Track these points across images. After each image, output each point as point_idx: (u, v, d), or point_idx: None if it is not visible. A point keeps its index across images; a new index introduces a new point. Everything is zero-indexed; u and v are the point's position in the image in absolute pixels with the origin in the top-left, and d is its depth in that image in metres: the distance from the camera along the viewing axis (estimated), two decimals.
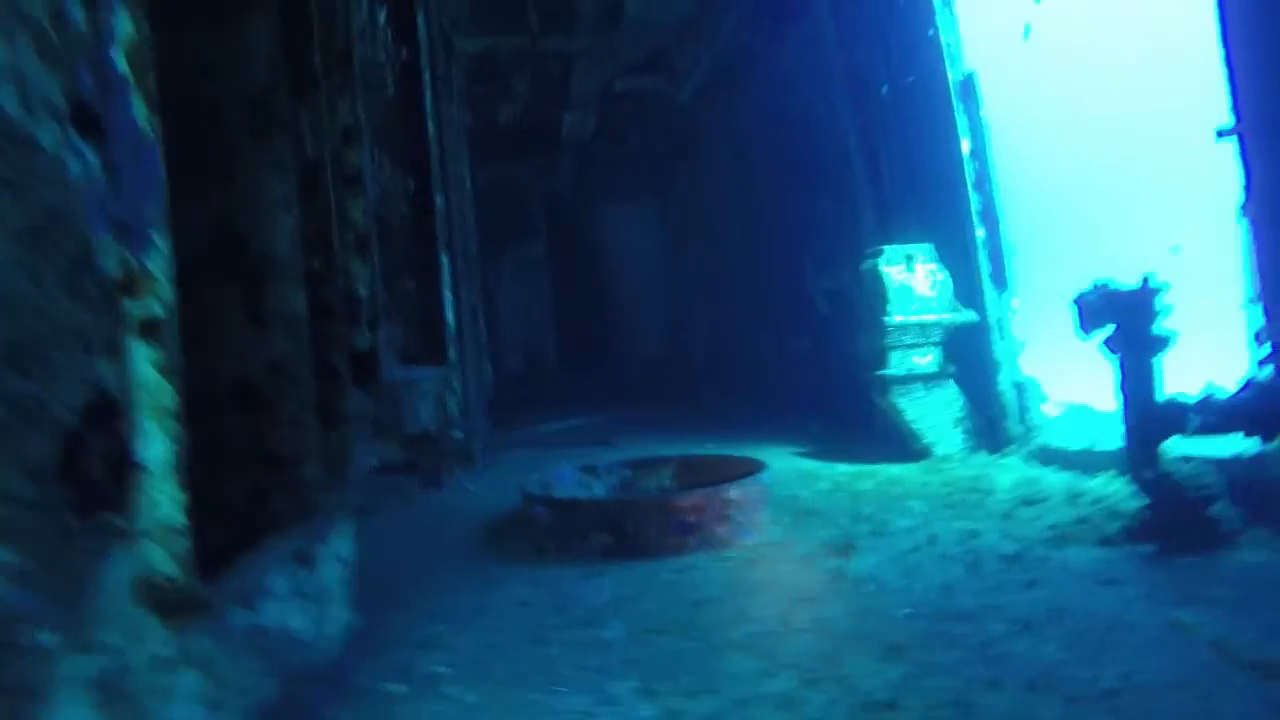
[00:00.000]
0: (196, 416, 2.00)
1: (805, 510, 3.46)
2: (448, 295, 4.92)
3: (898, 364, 4.46)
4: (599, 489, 3.88)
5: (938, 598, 2.29)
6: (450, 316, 4.99)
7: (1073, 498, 3.28)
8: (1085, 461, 3.77)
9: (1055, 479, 3.64)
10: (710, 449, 5.49)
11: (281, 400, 2.06)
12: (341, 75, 1.97)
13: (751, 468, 3.52)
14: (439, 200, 4.51)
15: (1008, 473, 3.90)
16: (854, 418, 6.12)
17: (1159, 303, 2.69)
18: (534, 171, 11.41)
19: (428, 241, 3.88)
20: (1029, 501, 3.31)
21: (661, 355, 13.66)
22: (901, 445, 4.66)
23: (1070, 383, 5.47)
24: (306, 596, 1.67)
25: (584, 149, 10.14)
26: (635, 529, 2.90)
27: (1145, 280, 2.68)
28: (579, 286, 14.04)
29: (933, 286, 4.44)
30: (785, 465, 4.72)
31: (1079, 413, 4.95)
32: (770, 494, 3.28)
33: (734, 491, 3.02)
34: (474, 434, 4.79)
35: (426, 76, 3.89)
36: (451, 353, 5.00)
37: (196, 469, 2.05)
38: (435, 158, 4.15)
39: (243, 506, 2.11)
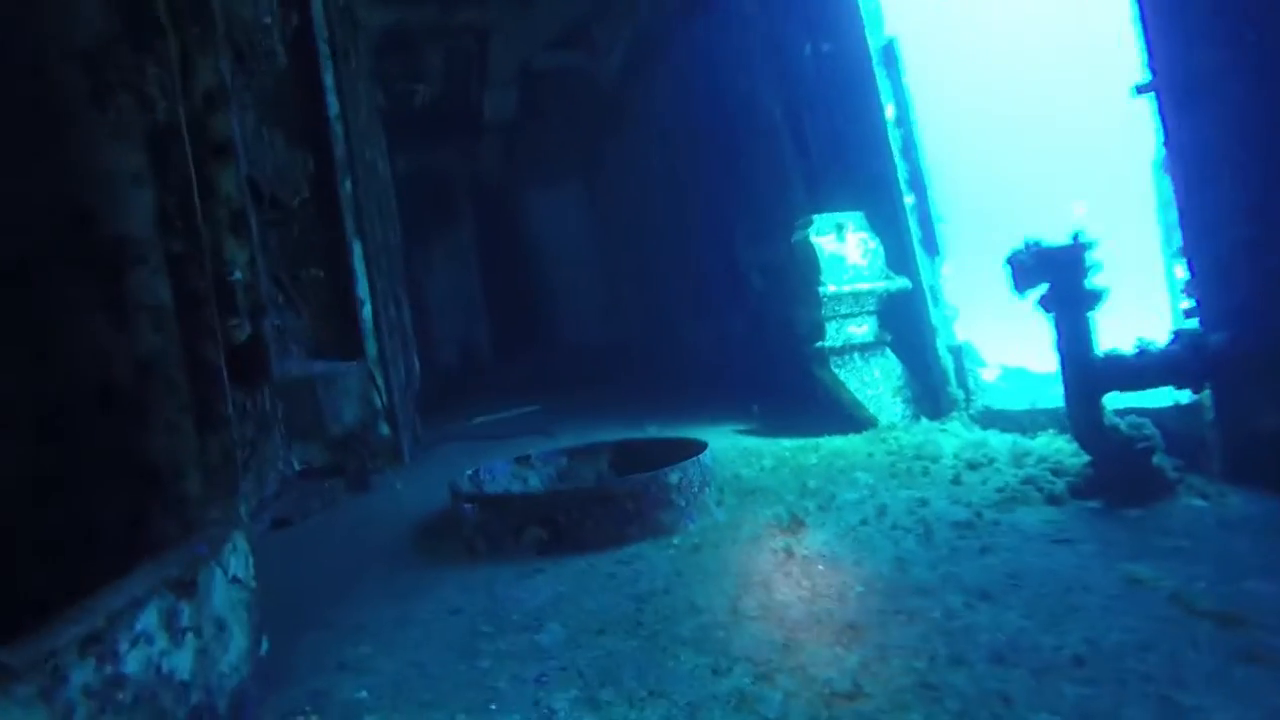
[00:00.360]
0: (55, 427, 1.74)
1: (750, 489, 3.35)
2: (362, 284, 4.64)
3: (834, 335, 4.39)
4: (535, 480, 3.70)
5: (892, 572, 2.19)
6: (366, 307, 4.71)
7: (1018, 458, 3.24)
8: (1027, 422, 3.76)
9: (999, 441, 3.61)
10: (651, 433, 5.36)
11: (155, 404, 1.82)
12: (199, 28, 1.72)
13: (691, 449, 3.38)
14: (346, 183, 4.22)
15: (952, 438, 3.87)
16: (796, 393, 6.07)
17: (1090, 258, 2.64)
18: (458, 156, 11.04)
19: (333, 225, 3.60)
20: (975, 465, 3.27)
21: (597, 343, 13.48)
22: (844, 417, 4.60)
23: (1005, 347, 5.51)
24: (189, 630, 1.45)
25: (508, 131, 9.84)
26: (571, 522, 2.73)
27: (1076, 236, 2.62)
28: (510, 274, 13.72)
29: (865, 255, 4.37)
30: (728, 444, 4.62)
31: (1016, 375, 4.98)
32: (713, 475, 3.15)
33: (674, 475, 2.88)
34: (401, 430, 4.55)
35: (323, 46, 3.59)
36: (370, 346, 4.73)
37: (60, 488, 1.79)
38: (338, 136, 3.86)
39: (118, 530, 1.86)
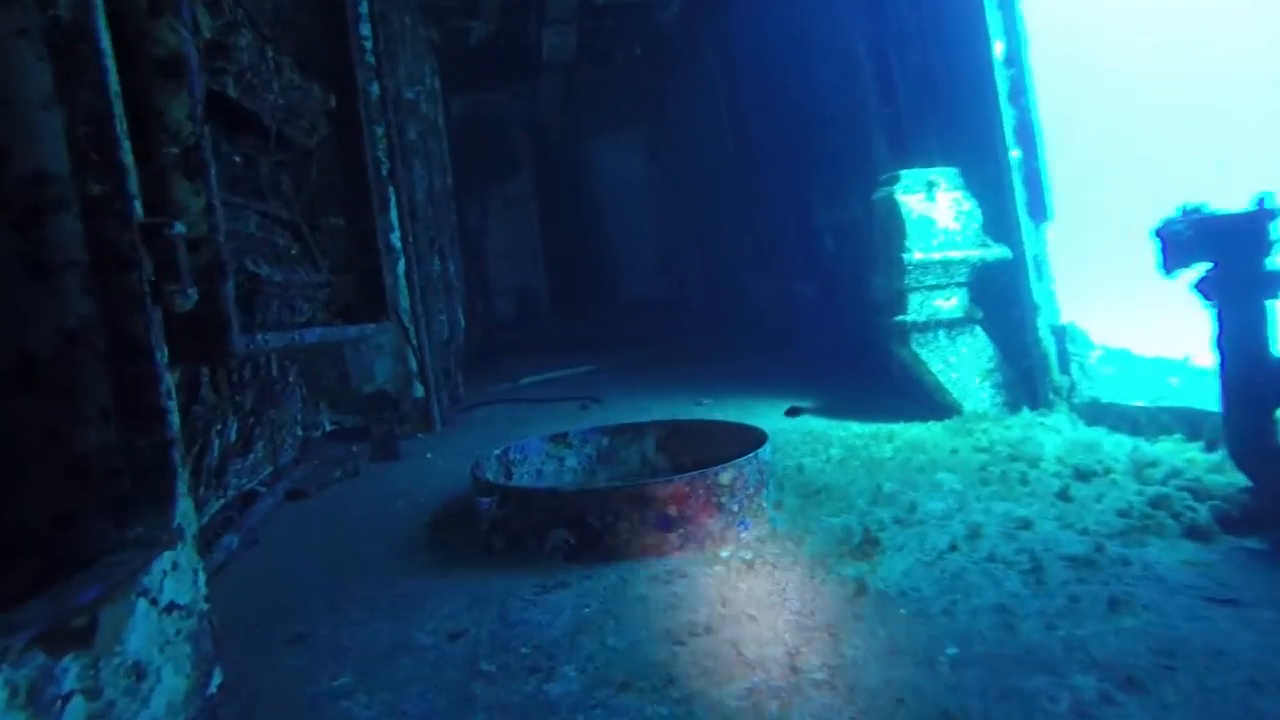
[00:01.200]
0: None
1: (815, 488, 2.90)
2: (395, 235, 4.28)
3: (918, 308, 3.85)
4: (571, 460, 3.32)
5: (994, 628, 1.74)
6: (400, 261, 4.36)
7: (1139, 469, 2.71)
8: (1145, 421, 3.20)
9: (1113, 444, 3.06)
10: (706, 405, 4.94)
11: (86, 385, 1.47)
12: None
13: (749, 438, 2.95)
14: (378, 124, 3.84)
15: (1053, 435, 3.33)
16: (868, 366, 5.54)
17: (1275, 231, 2.07)
18: (516, 100, 10.58)
19: (357, 170, 3.23)
20: (1086, 475, 2.75)
21: (657, 297, 13.02)
22: (924, 401, 4.09)
23: (1105, 325, 4.85)
24: (74, 696, 1.10)
25: (568, 73, 9.31)
26: (604, 525, 2.34)
27: (1261, 201, 2.05)
28: (570, 224, 13.30)
29: (958, 218, 3.80)
30: (790, 424, 4.16)
31: (1119, 358, 4.36)
32: (772, 471, 2.71)
33: (727, 474, 2.45)
34: (433, 394, 4.22)
35: None
36: (404, 302, 4.39)
37: None
38: (366, 67, 3.46)
39: (45, 532, 1.54)
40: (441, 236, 6.14)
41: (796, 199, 7.04)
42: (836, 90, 5.71)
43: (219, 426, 2.40)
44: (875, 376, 5.17)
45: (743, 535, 2.45)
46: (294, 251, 2.99)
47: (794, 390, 5.18)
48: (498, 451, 3.07)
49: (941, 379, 3.86)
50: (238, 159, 2.66)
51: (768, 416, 4.48)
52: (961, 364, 3.86)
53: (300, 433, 3.47)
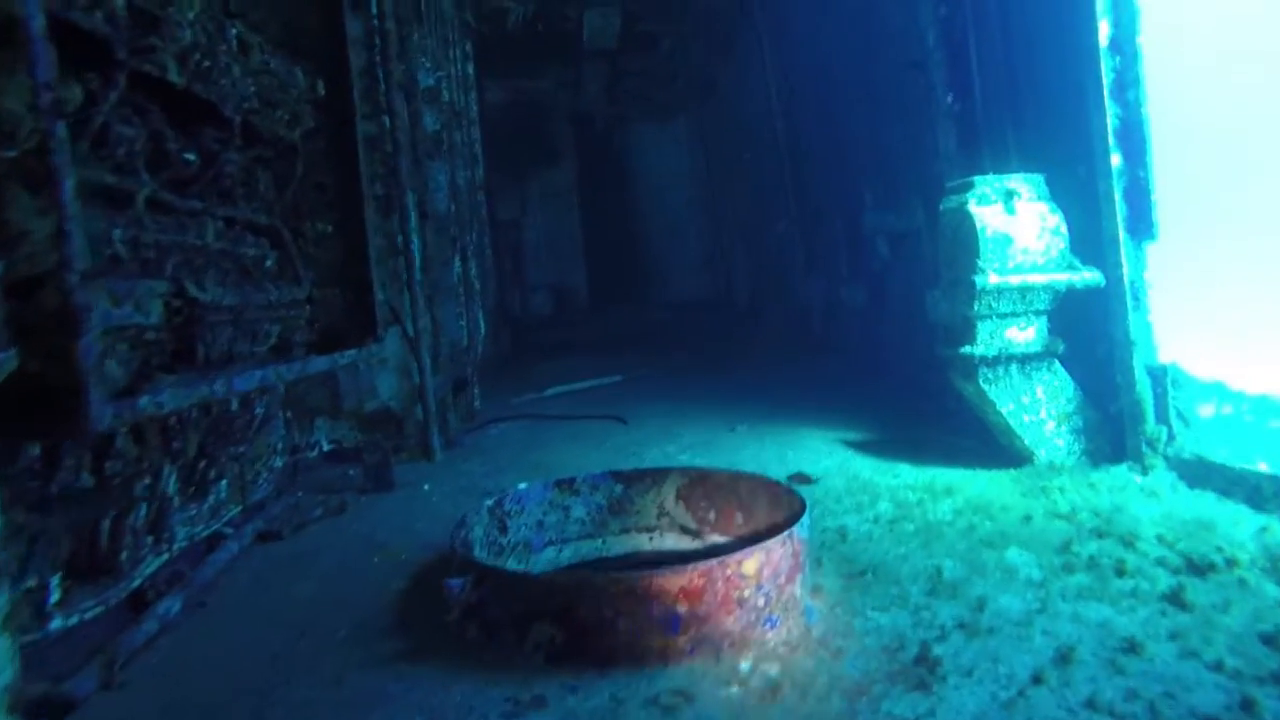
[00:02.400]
0: None
1: (859, 565, 2.42)
2: (401, 239, 3.89)
3: (988, 339, 3.31)
4: (579, 510, 2.89)
5: None
6: (411, 265, 3.98)
7: (1276, 564, 2.17)
8: (1270, 491, 2.64)
9: (1229, 520, 2.52)
10: (740, 433, 4.46)
11: None
12: None
13: (783, 501, 2.49)
14: (384, 114, 3.44)
15: (1149, 502, 2.79)
16: (921, 392, 5.00)
17: None
18: (558, 87, 10.15)
19: (348, 168, 2.83)
20: (1201, 567, 2.21)
21: (701, 296, 12.53)
22: (988, 442, 3.56)
23: (1212, 362, 4.23)
24: None
25: (611, 59, 8.85)
26: (598, 620, 1.91)
27: None
28: (611, 217, 12.87)
29: (1041, 235, 3.24)
30: (832, 464, 3.67)
31: (1214, 394, 3.76)
32: (809, 547, 2.23)
33: (752, 562, 1.99)
34: (436, 417, 3.83)
35: None
36: (408, 324, 3.99)
37: None
38: (369, 49, 3.05)
39: None
40: (465, 235, 5.75)
41: (847, 198, 6.48)
42: (897, 82, 5.14)
43: (148, 480, 2.03)
44: (930, 402, 4.63)
45: (769, 636, 1.99)
46: (269, 263, 2.60)
47: (839, 416, 4.67)
48: (490, 502, 2.65)
49: (1012, 422, 3.33)
50: (191, 157, 2.27)
51: (807, 448, 3.99)
52: (1036, 405, 3.32)
53: (279, 463, 3.10)
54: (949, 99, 4.46)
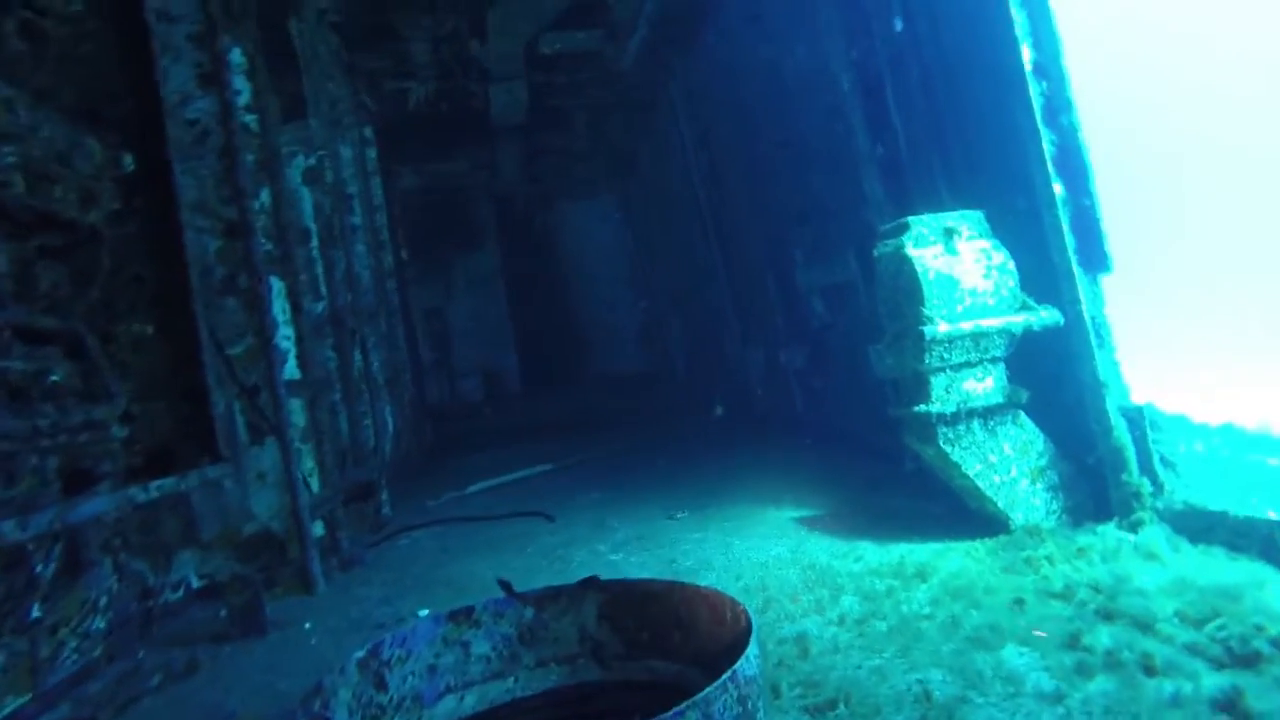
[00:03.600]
0: None
1: (826, 692, 1.93)
2: (279, 334, 3.38)
3: (944, 395, 2.93)
4: (481, 647, 2.34)
5: None
6: (285, 362, 3.45)
7: None
8: None
9: (1254, 580, 2.13)
10: (681, 520, 3.97)
11: None
12: None
13: (724, 613, 2.00)
14: (251, 197, 2.97)
15: (1154, 567, 2.38)
16: (875, 455, 4.61)
17: None
18: (474, 168, 9.86)
19: (171, 256, 2.34)
20: (1247, 656, 1.79)
21: (639, 369, 12.14)
22: (956, 508, 3.16)
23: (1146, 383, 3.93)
24: None
25: (525, 136, 8.60)
26: None
27: None
28: (540, 297, 12.50)
29: (988, 274, 2.92)
30: (784, 551, 3.19)
31: (1176, 427, 3.44)
32: (758, 686, 1.74)
33: None
34: (311, 544, 3.23)
35: None
36: (295, 418, 3.45)
37: None
38: (239, 129, 2.59)
39: None
40: (368, 325, 5.24)
41: (779, 258, 6.21)
42: (818, 127, 4.93)
43: None
44: (885, 465, 4.24)
45: None
46: (55, 378, 2.06)
47: (789, 489, 4.22)
48: (361, 654, 2.09)
49: (981, 484, 2.92)
50: None
51: (755, 533, 3.52)
52: (1006, 463, 2.93)
53: (99, 624, 2.48)
54: (870, 143, 4.22)
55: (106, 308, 2.29)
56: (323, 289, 4.58)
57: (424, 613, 2.25)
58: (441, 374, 11.96)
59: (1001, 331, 2.83)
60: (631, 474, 5.51)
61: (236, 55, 3.45)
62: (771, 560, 3.10)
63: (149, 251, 2.38)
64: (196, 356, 2.39)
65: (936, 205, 3.58)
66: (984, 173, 3.30)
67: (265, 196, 3.53)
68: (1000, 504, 2.92)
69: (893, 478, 4.07)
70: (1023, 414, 2.99)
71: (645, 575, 3.15)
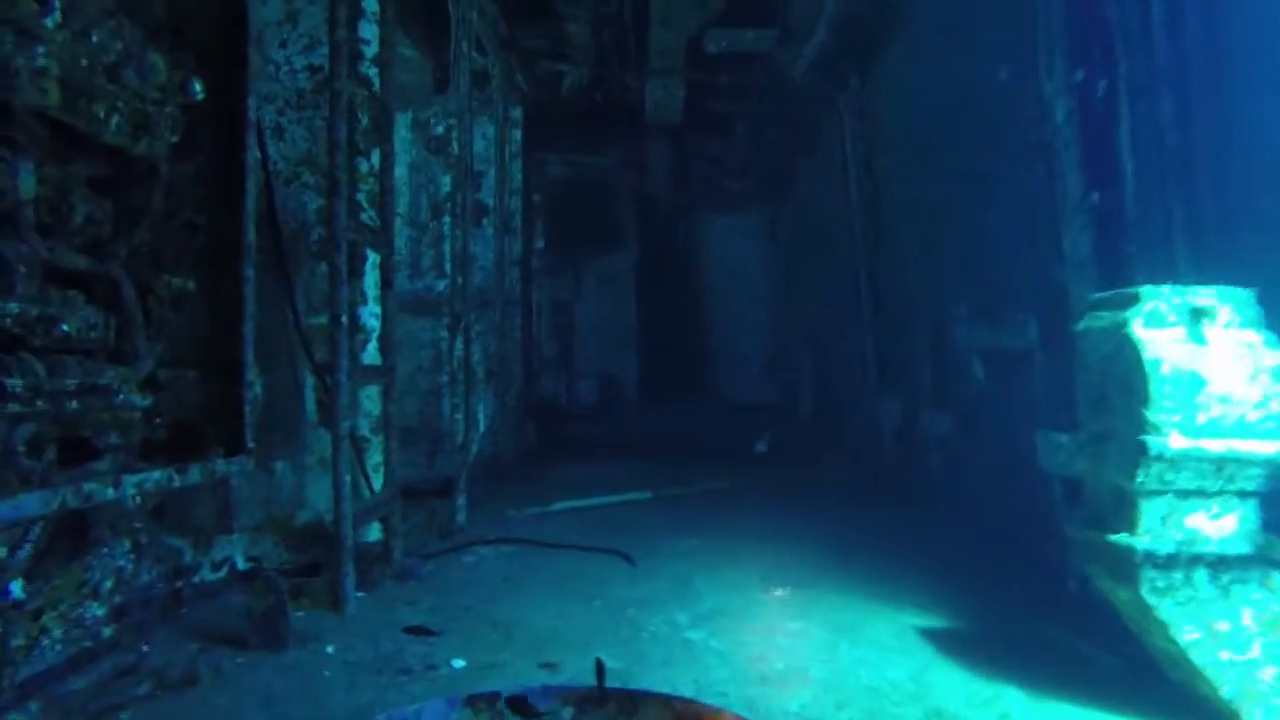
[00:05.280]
0: None
1: None
2: (365, 309, 3.05)
3: (1159, 527, 2.19)
4: None
5: None
6: (370, 340, 3.12)
7: None
8: None
9: None
10: (779, 598, 3.35)
11: None
12: None
13: None
14: (363, 156, 2.64)
15: None
16: (1023, 557, 3.81)
17: None
18: (622, 165, 9.54)
19: (230, 202, 2.00)
20: None
21: (760, 399, 11.45)
22: (1141, 667, 2.40)
23: None
24: None
25: (678, 138, 8.17)
26: None
27: None
28: (671, 307, 12.06)
29: (1254, 377, 2.15)
30: (903, 673, 2.53)
31: None
32: None
33: None
34: (350, 551, 2.83)
35: None
36: (369, 405, 3.11)
37: None
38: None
39: None
40: (477, 312, 4.93)
41: (936, 307, 5.44)
42: (1010, 162, 4.17)
43: None
44: (1038, 577, 3.46)
45: None
46: (65, 328, 1.74)
47: (913, 583, 3.52)
48: None
49: (1196, 658, 2.16)
50: None
51: (868, 638, 2.86)
52: (1242, 639, 2.15)
53: (98, 611, 2.17)
54: (1083, 188, 3.45)
55: (154, 256, 1.98)
56: (427, 267, 4.28)
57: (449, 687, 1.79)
58: (560, 372, 11.74)
59: (1264, 461, 2.06)
60: (733, 522, 4.91)
61: (371, 1, 3.16)
62: (886, 687, 2.45)
63: (207, 198, 2.06)
64: (237, 327, 2.05)
65: (1167, 273, 2.80)
66: (1252, 232, 2.51)
67: (375, 159, 3.22)
68: (1225, 691, 2.14)
69: (1048, 596, 3.29)
70: (1277, 574, 2.20)
71: (726, 668, 2.59)
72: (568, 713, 1.90)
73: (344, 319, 2.57)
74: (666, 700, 1.87)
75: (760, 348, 11.68)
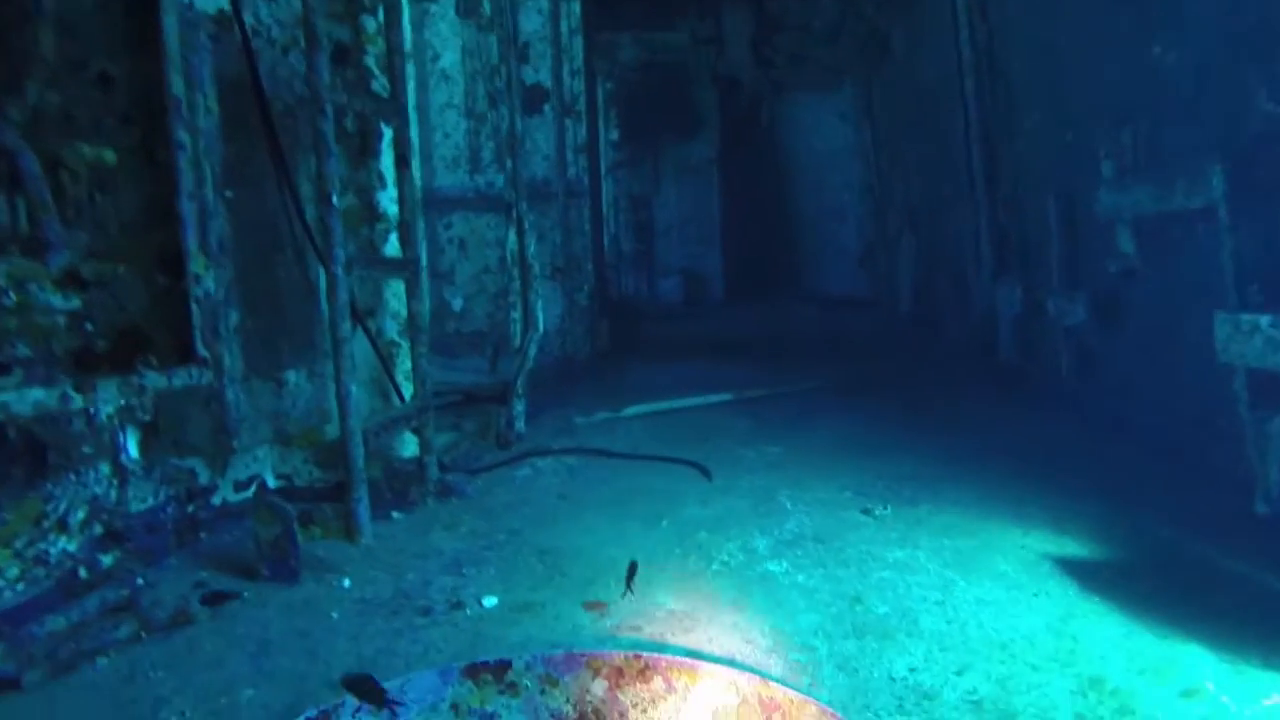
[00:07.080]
0: None
1: None
2: (382, 194, 2.60)
3: None
4: None
5: None
6: (389, 234, 2.67)
7: None
8: None
9: None
10: (881, 518, 2.83)
11: None
12: None
13: None
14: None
15: None
16: (1190, 469, 3.14)
17: None
18: (696, 42, 8.63)
19: (147, 48, 1.52)
20: None
21: (855, 293, 10.64)
22: None
23: None
24: None
25: (758, 5, 7.22)
26: None
27: None
28: (757, 198, 11.23)
29: None
30: (1040, 622, 1.99)
31: None
32: None
33: None
34: (361, 472, 2.44)
35: None
36: (396, 305, 2.69)
37: None
38: None
39: None
40: (533, 202, 4.42)
41: (1069, 171, 4.57)
42: None
43: None
44: (1210, 491, 2.81)
45: None
46: None
47: (1043, 499, 2.92)
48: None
49: None
50: None
51: (990, 571, 2.33)
52: None
53: (71, 546, 1.86)
54: None
55: (66, 121, 1.54)
56: (488, 161, 3.78)
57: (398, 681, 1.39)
58: (640, 269, 11.21)
59: None
60: (826, 425, 4.37)
61: None
62: (1020, 640, 1.92)
63: (121, 40, 1.59)
64: (173, 204, 1.61)
65: None
66: None
67: (381, 14, 2.68)
68: None
69: (1222, 519, 2.64)
70: None
71: (814, 612, 2.11)
72: (599, 687, 1.46)
73: (335, 198, 2.11)
74: (730, 678, 1.40)
75: (854, 238, 10.77)
